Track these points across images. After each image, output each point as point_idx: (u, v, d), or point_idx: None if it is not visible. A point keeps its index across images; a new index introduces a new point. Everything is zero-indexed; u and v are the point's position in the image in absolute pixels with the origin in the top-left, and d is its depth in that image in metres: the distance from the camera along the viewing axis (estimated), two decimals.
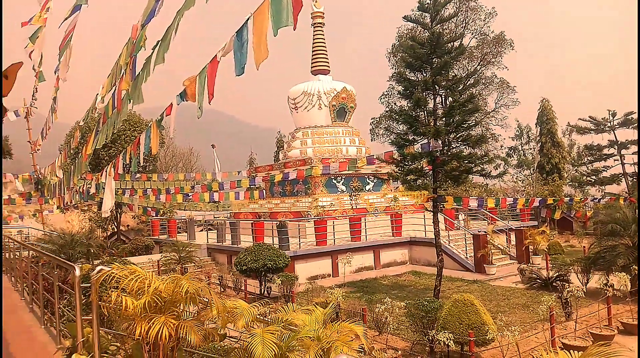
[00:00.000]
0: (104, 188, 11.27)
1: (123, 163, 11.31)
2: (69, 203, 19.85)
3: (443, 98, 19.59)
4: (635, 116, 33.72)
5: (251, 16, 5.92)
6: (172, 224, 28.69)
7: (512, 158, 52.44)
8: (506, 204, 23.78)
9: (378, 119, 49.55)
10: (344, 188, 27.62)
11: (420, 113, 15.03)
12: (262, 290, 16.84)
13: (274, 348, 5.16)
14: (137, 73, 7.76)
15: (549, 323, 10.29)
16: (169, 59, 7.23)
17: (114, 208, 29.24)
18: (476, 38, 45.23)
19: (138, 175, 29.73)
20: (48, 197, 23.96)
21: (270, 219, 24.44)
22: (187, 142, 60.07)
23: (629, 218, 14.80)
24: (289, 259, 17.33)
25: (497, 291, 15.97)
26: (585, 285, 14.91)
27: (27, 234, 30.66)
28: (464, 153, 14.88)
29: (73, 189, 16.63)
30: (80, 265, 5.95)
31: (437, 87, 14.82)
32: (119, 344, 5.77)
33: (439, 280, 14.51)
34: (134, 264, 6.78)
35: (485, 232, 20.56)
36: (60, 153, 21.47)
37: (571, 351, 5.71)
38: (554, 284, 15.24)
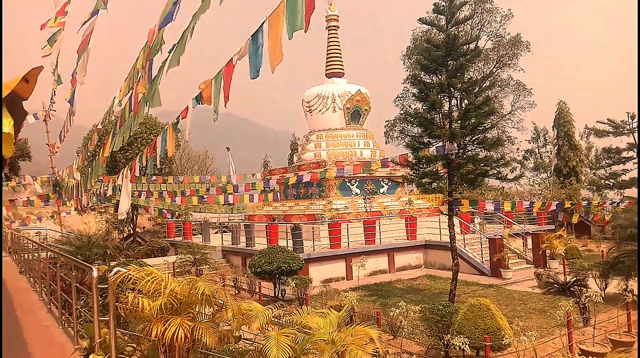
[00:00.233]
0: (120, 190, 11.38)
1: (139, 166, 11.43)
2: (86, 205, 20.11)
3: (458, 101, 19.44)
4: None
5: (266, 20, 5.95)
6: (187, 226, 28.89)
7: (529, 161, 51.80)
8: (522, 207, 23.53)
9: (392, 121, 49.38)
10: (358, 190, 27.56)
11: (436, 116, 14.95)
12: (276, 292, 16.87)
13: (288, 350, 5.15)
14: (153, 76, 7.85)
15: (567, 329, 10.15)
16: (184, 62, 7.30)
17: (130, 210, 29.56)
18: (492, 40, 44.89)
19: (154, 177, 30.06)
20: (66, 199, 24.28)
21: (284, 222, 24.46)
22: (202, 145, 60.50)
23: None
24: (303, 262, 17.34)
25: (514, 296, 15.79)
26: (604, 290, 14.65)
27: (45, 235, 31.09)
28: (479, 156, 14.75)
29: (90, 191, 16.84)
30: (97, 266, 6.02)
31: (453, 90, 14.72)
32: (135, 345, 5.82)
33: (455, 284, 14.39)
34: (149, 266, 6.84)
35: (501, 236, 20.35)
36: (78, 155, 21.77)
37: (590, 357, 5.62)
38: (571, 289, 15.02)
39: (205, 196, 28.77)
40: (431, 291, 17.16)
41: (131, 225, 34.96)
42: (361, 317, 11.92)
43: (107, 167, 28.68)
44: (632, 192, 37.43)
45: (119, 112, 9.72)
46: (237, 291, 17.95)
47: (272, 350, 5.06)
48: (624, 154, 36.05)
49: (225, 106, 7.07)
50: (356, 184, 27.65)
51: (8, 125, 3.14)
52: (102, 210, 34.79)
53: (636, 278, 12.39)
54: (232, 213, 38.23)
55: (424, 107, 15.24)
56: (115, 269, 5.08)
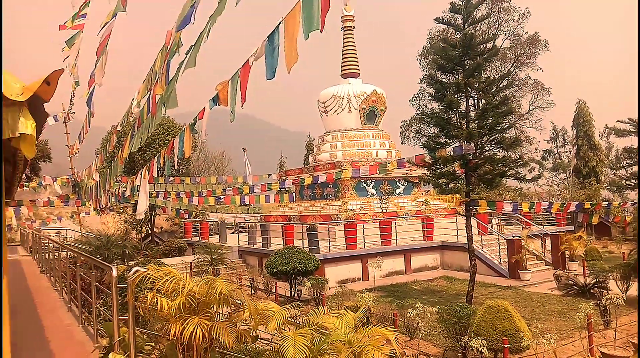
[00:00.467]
0: (138, 191, 11.51)
1: (157, 166, 11.54)
2: (105, 206, 20.36)
3: (475, 100, 19.31)
4: None
5: (282, 20, 5.97)
6: (204, 226, 29.09)
7: (547, 161, 51.10)
8: (541, 208, 23.24)
9: (409, 121, 49.15)
10: (374, 191, 27.47)
11: (452, 116, 14.84)
12: (293, 292, 16.89)
13: (305, 351, 5.16)
14: (170, 78, 7.93)
15: (587, 332, 9.99)
16: (200, 63, 7.35)
17: (148, 210, 29.87)
18: (509, 39, 44.44)
19: (172, 178, 30.34)
20: (85, 199, 24.61)
21: (300, 223, 24.50)
22: (218, 145, 60.89)
23: None
24: (319, 262, 17.34)
25: (532, 298, 15.60)
26: (625, 293, 14.39)
27: (65, 235, 31.57)
28: (497, 156, 14.61)
29: (109, 191, 17.05)
30: (116, 266, 6.09)
31: (470, 90, 14.60)
32: (153, 344, 5.87)
33: (472, 286, 14.26)
34: (167, 265, 6.90)
35: (519, 237, 20.12)
36: (97, 156, 22.07)
37: None
38: (591, 291, 14.79)
39: (221, 197, 28.98)
40: (448, 293, 17.03)
41: (149, 225, 35.32)
42: (377, 318, 11.89)
43: (126, 168, 29.03)
44: None
45: (137, 114, 9.83)
46: (253, 291, 18.02)
47: (289, 350, 5.07)
48: None
49: (242, 107, 7.11)
50: (372, 184, 27.58)
51: (30, 127, 3.19)
52: (121, 210, 35.24)
53: None
54: (248, 213, 38.42)
55: (440, 107, 15.15)
56: (135, 268, 5.13)
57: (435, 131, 15.36)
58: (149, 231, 35.58)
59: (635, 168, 36.83)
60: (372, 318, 11.81)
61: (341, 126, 30.29)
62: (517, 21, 43.63)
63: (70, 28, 13.04)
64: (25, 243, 28.45)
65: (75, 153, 26.95)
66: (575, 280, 16.25)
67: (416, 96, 47.72)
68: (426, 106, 44.31)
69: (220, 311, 5.73)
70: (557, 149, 52.82)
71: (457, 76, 14.93)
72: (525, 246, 19.42)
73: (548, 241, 22.23)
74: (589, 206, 24.17)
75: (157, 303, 5.11)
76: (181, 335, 4.91)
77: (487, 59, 15.06)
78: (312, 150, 45.06)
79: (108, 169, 14.72)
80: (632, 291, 14.27)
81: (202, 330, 4.93)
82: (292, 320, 6.39)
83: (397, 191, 28.30)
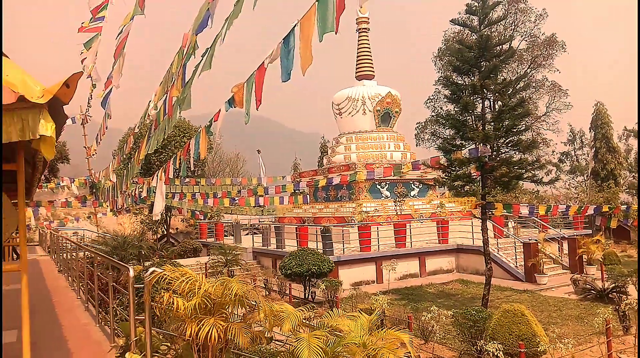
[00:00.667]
0: (155, 192, 11.62)
1: (173, 168, 11.64)
2: (121, 206, 20.59)
3: (491, 102, 19.15)
4: None
5: (298, 23, 5.99)
6: (219, 227, 29.26)
7: (565, 164, 50.47)
8: (558, 211, 22.96)
9: (424, 123, 48.88)
10: (388, 193, 27.39)
11: (468, 117, 14.75)
12: (307, 294, 16.90)
13: (320, 353, 5.15)
14: (186, 80, 8.00)
15: (605, 337, 9.82)
16: (215, 65, 7.40)
17: (164, 211, 30.14)
18: (526, 40, 43.97)
19: (187, 180, 30.57)
20: (102, 200, 24.91)
21: (314, 224, 24.51)
22: (233, 147, 61.23)
23: None
24: (333, 264, 17.33)
25: (549, 302, 15.41)
26: None
27: (82, 235, 31.98)
28: (514, 159, 14.48)
29: (126, 193, 17.24)
30: (133, 266, 6.16)
31: (486, 91, 14.51)
32: (169, 344, 5.91)
33: (488, 289, 14.14)
34: (183, 266, 6.95)
35: (536, 240, 19.89)
36: (114, 158, 22.32)
37: None
38: (609, 296, 14.56)
39: (236, 198, 29.13)
40: (463, 296, 16.90)
41: (165, 226, 35.62)
42: (392, 321, 11.83)
43: (142, 169, 29.35)
44: None
45: (154, 116, 9.94)
46: (267, 293, 18.06)
47: (303, 352, 5.07)
48: None
49: (257, 108, 7.15)
50: (386, 187, 27.49)
51: (50, 129, 3.24)
52: (137, 211, 35.58)
53: None
54: (262, 214, 38.57)
55: (456, 109, 15.07)
56: (151, 269, 5.18)
57: (451, 133, 15.28)
58: (165, 232, 35.88)
59: None
60: (386, 321, 11.76)
61: (355, 128, 30.26)
62: (533, 22, 43.19)
63: (88, 31, 13.22)
64: (44, 243, 28.89)
65: (93, 155, 27.31)
66: (593, 285, 16.02)
67: (431, 97, 47.46)
68: (441, 108, 44.09)
69: (235, 312, 5.76)
70: (575, 152, 52.13)
71: (473, 78, 14.84)
72: (542, 249, 19.19)
73: (565, 245, 21.95)
74: (607, 210, 23.84)
75: (173, 303, 5.15)
76: (197, 336, 4.94)
77: (503, 60, 14.95)
78: (326, 152, 45.10)
79: (125, 171, 14.89)
80: None
81: (217, 331, 4.95)
82: (307, 322, 6.38)
83: (412, 193, 28.16)
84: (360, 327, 6.12)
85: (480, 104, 14.75)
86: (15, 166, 4.14)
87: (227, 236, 29.86)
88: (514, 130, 14.40)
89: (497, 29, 41.39)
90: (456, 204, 27.03)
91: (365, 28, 32.09)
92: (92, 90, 17.90)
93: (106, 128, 16.34)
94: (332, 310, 6.88)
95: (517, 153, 15.12)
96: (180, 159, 10.91)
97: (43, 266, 18.46)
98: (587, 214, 23.68)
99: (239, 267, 20.53)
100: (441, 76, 41.15)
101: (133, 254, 18.73)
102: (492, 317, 9.92)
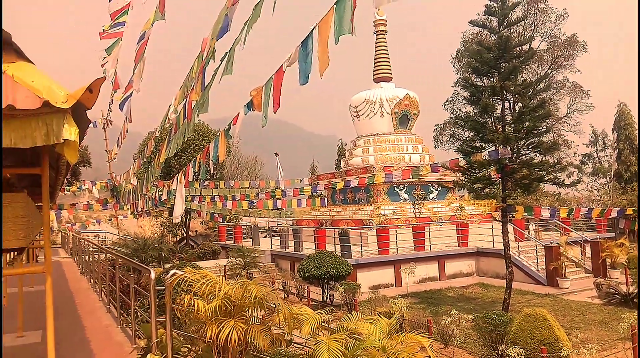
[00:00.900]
0: (175, 195, 11.73)
1: (193, 171, 11.75)
2: (141, 209, 20.85)
3: (511, 104, 18.93)
4: None
5: (316, 26, 6.00)
6: (237, 230, 29.43)
7: (587, 166, 49.59)
8: (580, 214, 22.55)
9: (442, 125, 48.55)
10: (406, 196, 27.24)
11: (488, 119, 14.61)
12: (325, 297, 16.88)
13: (339, 356, 5.14)
14: (205, 84, 8.07)
15: (631, 343, 9.61)
16: (235, 69, 7.45)
17: (184, 214, 30.43)
18: (546, 41, 43.41)
19: (206, 183, 30.82)
20: (123, 203, 25.26)
21: (332, 227, 24.49)
22: (251, 150, 61.63)
23: None
24: (351, 267, 17.27)
25: (571, 306, 15.14)
26: None
27: (104, 238, 32.45)
28: (534, 161, 14.30)
29: (146, 195, 17.46)
30: (154, 268, 6.22)
31: (506, 93, 14.35)
32: (189, 346, 5.96)
33: (509, 293, 13.96)
34: (202, 268, 7.01)
35: (558, 243, 19.57)
36: (135, 161, 22.62)
37: None
38: (634, 300, 14.23)
39: (254, 201, 29.27)
40: (484, 300, 16.70)
41: (184, 229, 35.95)
42: (411, 325, 11.76)
43: (162, 172, 29.68)
44: None
45: (174, 120, 10.04)
46: (286, 295, 18.09)
47: (323, 355, 5.06)
48: None
49: (275, 112, 7.18)
50: (404, 189, 27.35)
51: (73, 133, 3.29)
52: (157, 214, 35.97)
53: None
54: (280, 217, 38.68)
55: (475, 111, 14.94)
56: (172, 271, 5.23)
57: (470, 135, 15.15)
58: (184, 235, 36.21)
59: None
60: (405, 325, 11.69)
61: (373, 130, 30.20)
62: (554, 22, 42.63)
63: (108, 36, 13.41)
64: (66, 245, 29.40)
65: (114, 158, 27.68)
66: (618, 289, 15.69)
67: (450, 99, 47.14)
68: (460, 110, 43.77)
69: (255, 315, 5.78)
70: (597, 153, 51.18)
71: (492, 79, 14.70)
72: (564, 253, 18.88)
73: (588, 248, 21.56)
74: (632, 212, 23.33)
75: (193, 305, 5.19)
76: (217, 338, 4.97)
77: (523, 61, 14.80)
78: (343, 155, 45.04)
79: (145, 174, 15.08)
80: None
81: (237, 333, 4.97)
82: (326, 325, 6.37)
83: (431, 196, 27.96)
84: (380, 331, 6.09)
85: (500, 106, 14.60)
86: (39, 170, 4.21)
87: (245, 238, 30.02)
88: (535, 132, 14.21)
89: (516, 30, 40.93)
90: (476, 207, 26.76)
91: (382, 30, 32.04)
92: (113, 94, 18.17)
93: (126, 132, 16.58)
94: (350, 313, 6.87)
95: (538, 154, 14.93)
96: (199, 162, 11.00)
97: (66, 268, 18.78)
98: (610, 217, 23.19)
99: (258, 270, 20.62)
100: (460, 78, 40.83)
101: (153, 256, 18.94)
102: (514, 321, 9.77)
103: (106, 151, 33.03)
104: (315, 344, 5.37)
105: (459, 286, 19.28)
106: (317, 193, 30.96)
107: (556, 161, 16.35)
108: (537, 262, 19.76)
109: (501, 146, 13.87)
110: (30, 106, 3.13)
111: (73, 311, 10.04)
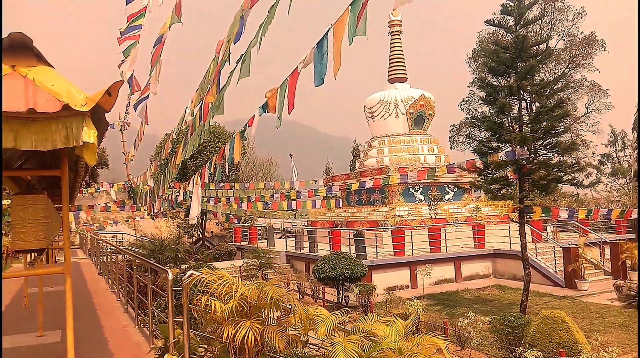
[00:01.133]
0: (191, 196, 11.83)
1: (208, 173, 11.83)
2: (158, 210, 21.06)
3: (528, 103, 18.73)
4: None
5: (331, 27, 6.01)
6: (253, 231, 29.54)
7: (606, 166, 48.80)
8: (599, 215, 22.19)
9: (458, 126, 48.20)
10: (422, 197, 27.08)
11: (505, 119, 14.47)
12: (340, 298, 16.86)
13: (355, 357, 5.13)
14: (221, 86, 8.13)
15: None
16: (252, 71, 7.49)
17: (200, 215, 30.65)
18: (564, 40, 42.88)
19: (222, 184, 31.02)
20: (140, 204, 25.52)
21: (347, 228, 24.46)
22: (266, 152, 61.88)
23: None
24: (366, 268, 17.23)
25: (590, 309, 14.92)
26: None
27: (121, 239, 32.82)
28: (552, 161, 14.12)
29: (162, 197, 17.63)
30: (171, 269, 6.28)
31: (523, 92, 14.20)
32: (206, 346, 6.00)
33: (526, 295, 13.81)
34: (218, 269, 7.05)
35: (576, 245, 19.30)
36: (151, 163, 22.84)
37: None
38: None
39: (269, 202, 29.36)
40: (500, 302, 16.54)
41: (200, 230, 36.20)
42: (427, 327, 11.69)
43: (178, 174, 29.94)
44: None
45: (190, 122, 10.13)
46: (301, 296, 18.11)
47: (339, 356, 5.06)
48: None
49: (289, 113, 7.20)
50: (420, 190, 27.19)
51: (92, 136, 3.34)
52: (174, 215, 36.29)
53: None
54: (295, 218, 38.73)
55: (492, 111, 14.81)
56: (189, 272, 5.27)
57: (487, 136, 15.02)
58: (200, 236, 36.46)
59: None
60: (421, 327, 11.62)
61: (388, 131, 30.08)
62: (571, 21, 42.08)
63: (126, 39, 13.55)
64: (84, 246, 29.80)
65: (131, 160, 28.00)
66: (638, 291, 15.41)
67: (466, 99, 46.78)
68: (476, 110, 43.41)
69: (271, 316, 5.80)
70: (616, 153, 50.30)
71: (509, 79, 14.57)
72: (583, 254, 18.61)
73: (607, 250, 21.22)
74: None
75: (210, 306, 5.22)
76: (234, 338, 4.99)
77: (540, 61, 14.63)
78: (358, 156, 44.98)
79: (162, 176, 15.22)
80: None
81: (254, 334, 4.99)
82: (341, 326, 6.37)
83: (447, 197, 27.76)
84: (396, 332, 6.07)
85: (517, 106, 14.45)
86: (59, 172, 4.27)
87: (260, 239, 30.13)
88: (552, 132, 14.04)
89: (533, 29, 40.46)
90: (492, 208, 26.50)
91: (397, 31, 31.92)
92: (129, 97, 18.37)
93: (143, 134, 16.75)
94: (366, 315, 6.86)
95: (555, 155, 14.74)
96: (215, 164, 11.08)
97: (84, 268, 19.02)
98: (630, 218, 22.81)
99: (273, 270, 20.68)
100: (476, 78, 40.51)
101: (170, 257, 19.11)
102: (531, 324, 9.66)
103: (123, 153, 33.46)
104: (331, 345, 5.37)
105: (476, 288, 19.12)
106: (331, 194, 30.93)
107: (574, 161, 16.11)
108: (555, 264, 19.52)
109: (518, 147, 13.72)
110: (51, 109, 3.19)
111: (92, 312, 10.16)
